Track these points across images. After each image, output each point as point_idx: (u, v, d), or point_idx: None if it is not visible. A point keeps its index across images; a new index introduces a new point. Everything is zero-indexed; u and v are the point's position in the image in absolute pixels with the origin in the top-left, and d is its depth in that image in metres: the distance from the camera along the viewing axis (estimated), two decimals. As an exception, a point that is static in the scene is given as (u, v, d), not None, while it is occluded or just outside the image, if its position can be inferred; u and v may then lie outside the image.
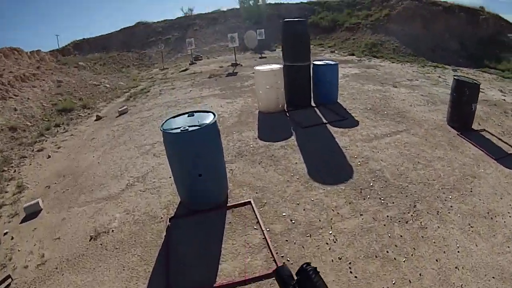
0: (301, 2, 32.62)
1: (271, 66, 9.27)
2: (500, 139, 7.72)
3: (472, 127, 8.31)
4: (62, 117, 12.20)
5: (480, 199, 5.34)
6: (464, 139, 7.52)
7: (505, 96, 11.95)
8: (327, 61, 10.32)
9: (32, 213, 5.90)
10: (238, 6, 32.57)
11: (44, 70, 17.51)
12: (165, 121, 5.18)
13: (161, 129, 4.83)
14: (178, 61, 25.50)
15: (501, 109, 10.01)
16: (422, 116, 8.96)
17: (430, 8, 23.70)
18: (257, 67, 9.37)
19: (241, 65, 19.34)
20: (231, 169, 6.53)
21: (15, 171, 8.07)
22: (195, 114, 5.39)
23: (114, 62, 26.36)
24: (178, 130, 4.72)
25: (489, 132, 8.10)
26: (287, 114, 9.28)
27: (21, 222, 5.76)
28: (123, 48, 28.87)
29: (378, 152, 6.88)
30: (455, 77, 8.33)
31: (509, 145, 7.39)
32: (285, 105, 9.69)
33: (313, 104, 10.04)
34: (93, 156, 8.27)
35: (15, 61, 16.79)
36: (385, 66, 17.39)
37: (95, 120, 11.64)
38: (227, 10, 32.87)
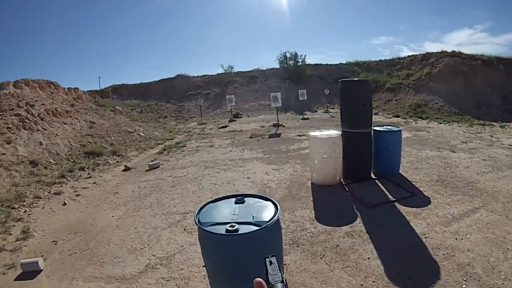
0: (340, 63, 32.43)
1: (328, 132, 8.18)
2: None
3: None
4: (89, 161, 11.39)
5: None
6: None
7: None
8: (388, 127, 9.16)
9: (30, 272, 5.04)
10: (277, 66, 32.58)
11: (79, 108, 17.12)
12: (203, 208, 3.69)
13: (197, 221, 3.37)
14: (217, 117, 25.07)
15: None
16: (493, 187, 7.89)
17: (469, 63, 23.08)
18: (313, 133, 8.28)
19: (284, 126, 18.46)
20: (285, 263, 5.13)
21: (25, 211, 7.30)
22: (246, 199, 3.83)
23: (152, 111, 26.17)
24: (223, 229, 3.14)
25: None
26: (346, 188, 7.95)
27: (15, 279, 4.97)
28: (161, 98, 28.79)
29: (462, 239, 5.65)
30: None
31: None
32: (342, 177, 8.45)
33: (373, 175, 8.75)
34: (112, 216, 7.14)
35: (50, 94, 16.43)
36: (433, 127, 16.34)
37: (123, 171, 10.67)
38: (267, 69, 32.97)
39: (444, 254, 5.22)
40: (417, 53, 28.05)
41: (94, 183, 9.51)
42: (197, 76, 32.49)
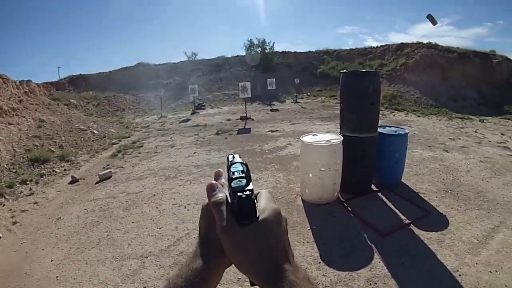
0: (309, 51, 31.38)
1: (326, 137, 6.60)
2: None
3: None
4: (33, 171, 9.54)
5: None
6: None
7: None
8: (392, 128, 7.85)
9: None
10: (243, 53, 31.25)
11: (28, 104, 14.98)
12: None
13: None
14: (178, 108, 23.28)
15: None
16: (503, 196, 7.22)
17: (446, 56, 22.96)
18: (306, 138, 6.56)
19: (252, 119, 16.86)
20: None
21: None
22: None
23: (109, 104, 24.19)
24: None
25: None
26: (347, 206, 6.54)
27: None
28: (120, 89, 26.69)
29: (496, 271, 4.73)
30: None
31: None
32: (339, 191, 6.90)
33: (373, 187, 7.49)
34: (52, 260, 5.31)
35: (-5, 90, 14.19)
36: (414, 121, 15.64)
37: (70, 183, 8.96)
38: (232, 56, 31.60)
39: None
40: (391, 43, 27.70)
41: (35, 203, 7.70)
42: (159, 64, 30.86)
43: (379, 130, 7.25)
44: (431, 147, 10.89)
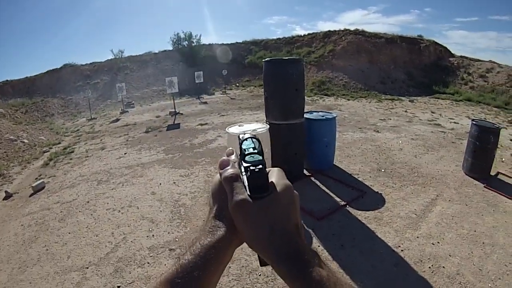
0: (237, 42, 31.42)
1: (252, 126, 6.27)
2: None
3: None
4: None
5: None
6: (497, 192, 6.78)
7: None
8: (320, 113, 8.02)
9: None
10: (171, 48, 30.74)
11: None
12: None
13: None
14: (107, 109, 22.40)
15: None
16: (437, 170, 7.84)
17: (373, 41, 23.96)
18: (231, 129, 6.15)
19: (182, 114, 16.54)
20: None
21: None
22: None
23: (38, 110, 22.93)
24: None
25: (503, 174, 7.79)
26: None
27: None
28: (48, 93, 25.39)
29: (438, 243, 5.06)
30: (474, 123, 7.51)
31: None
32: None
33: (306, 172, 7.56)
34: None
35: None
36: (344, 105, 16.10)
37: (4, 199, 8.27)
38: (159, 52, 30.85)
39: (430, 267, 4.56)
40: (319, 31, 28.23)
41: (-31, 224, 7.16)
42: (86, 65, 29.32)
43: (306, 115, 7.38)
44: (362, 128, 11.24)
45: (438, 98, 18.86)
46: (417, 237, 5.14)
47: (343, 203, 6.14)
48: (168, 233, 5.44)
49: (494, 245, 5.08)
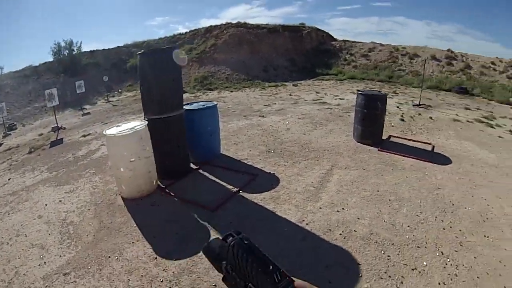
0: (118, 47, 29.50)
1: (129, 125, 5.88)
2: (410, 139, 8.13)
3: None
4: None
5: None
6: (392, 153, 7.18)
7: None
8: (200, 103, 7.58)
9: None
10: (51, 59, 27.95)
11: None
12: None
13: None
14: None
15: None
16: (328, 143, 7.92)
17: (255, 32, 24.23)
18: (109, 131, 5.71)
19: (64, 128, 14.90)
20: None
21: None
22: None
23: None
24: None
25: (395, 136, 8.35)
26: (170, 192, 5.87)
27: None
28: None
29: (343, 209, 4.95)
30: (360, 92, 7.85)
31: (423, 142, 7.90)
32: (158, 179, 6.27)
33: (193, 165, 6.99)
34: None
35: None
36: (227, 96, 15.74)
37: None
38: (40, 64, 27.83)
39: (340, 234, 4.38)
40: (201, 27, 27.53)
41: None
42: None
43: (186, 107, 6.91)
44: (247, 116, 10.98)
45: (322, 79, 19.48)
46: (320, 208, 4.93)
47: (235, 189, 5.71)
48: (60, 256, 4.57)
49: (400, 200, 5.19)
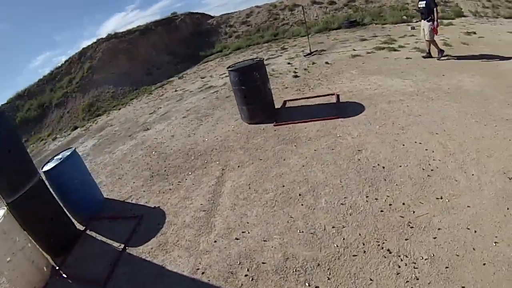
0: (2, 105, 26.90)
1: None
2: (309, 97, 7.41)
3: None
4: None
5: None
6: (291, 123, 6.35)
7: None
8: (58, 156, 6.02)
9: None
10: None
11: None
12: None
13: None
14: None
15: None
16: (216, 138, 6.86)
17: (128, 38, 22.72)
18: None
19: None
20: None
21: None
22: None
23: None
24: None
25: (290, 100, 7.57)
26: (62, 274, 4.55)
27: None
28: None
29: (243, 232, 3.95)
30: (231, 69, 6.77)
31: (325, 95, 7.24)
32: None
33: (80, 226, 5.58)
34: None
35: None
36: (114, 117, 14.34)
37: None
38: None
39: (246, 274, 3.39)
40: (73, 54, 25.08)
41: None
42: None
43: (44, 168, 5.60)
44: (132, 134, 9.69)
45: (208, 61, 18.43)
46: (215, 241, 3.95)
47: (121, 247, 4.52)
48: None
49: (314, 189, 4.28)
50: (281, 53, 12.98)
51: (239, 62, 7.79)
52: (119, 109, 15.70)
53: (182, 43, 22.50)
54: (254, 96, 6.56)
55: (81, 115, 18.29)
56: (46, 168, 5.59)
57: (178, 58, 20.94)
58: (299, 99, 7.35)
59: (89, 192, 5.94)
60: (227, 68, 6.93)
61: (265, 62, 11.35)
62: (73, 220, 5.56)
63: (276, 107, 7.13)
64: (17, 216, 4.64)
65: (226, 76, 11.78)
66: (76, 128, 16.95)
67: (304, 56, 11.11)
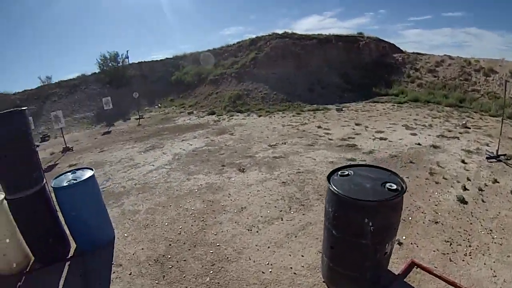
0: (166, 58, 28.54)
1: None
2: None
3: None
4: None
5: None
6: None
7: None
8: (76, 173, 5.29)
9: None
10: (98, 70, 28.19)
11: None
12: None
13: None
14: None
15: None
16: (269, 270, 4.13)
17: (302, 44, 20.84)
18: None
19: (72, 150, 13.51)
20: None
21: None
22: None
23: None
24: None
25: (424, 268, 3.94)
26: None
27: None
28: None
29: None
30: (332, 189, 3.32)
31: None
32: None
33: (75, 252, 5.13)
34: None
35: None
36: (245, 124, 12.83)
37: None
38: (91, 74, 28.11)
39: None
40: (247, 38, 24.77)
41: None
42: (17, 93, 26.54)
43: (54, 183, 4.98)
44: (226, 166, 7.96)
45: (377, 102, 15.58)
46: None
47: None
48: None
49: None
50: (460, 134, 9.50)
51: (346, 170, 3.71)
52: (260, 115, 14.21)
53: (358, 69, 19.77)
54: (347, 256, 3.44)
55: (225, 102, 17.48)
56: (54, 182, 5.00)
57: (348, 85, 18.39)
58: (439, 277, 3.76)
59: (92, 229, 5.17)
60: (328, 178, 3.52)
61: (435, 144, 8.66)
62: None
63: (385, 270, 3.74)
64: (12, 211, 4.70)
65: (383, 139, 9.39)
66: (213, 113, 16.12)
67: (487, 157, 7.47)
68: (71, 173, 5.25)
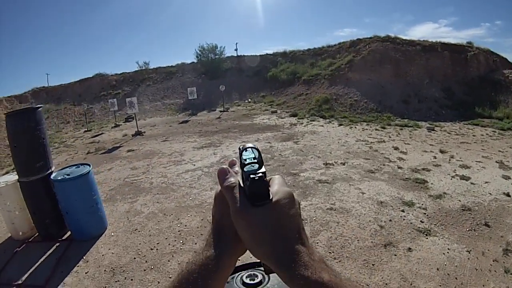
0: (266, 54, 29.08)
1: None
2: None
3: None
4: None
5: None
6: None
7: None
8: (71, 168, 5.98)
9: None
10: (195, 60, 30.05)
11: None
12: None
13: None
14: (113, 120, 21.35)
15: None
16: None
17: (404, 49, 19.21)
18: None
19: (142, 135, 14.42)
20: None
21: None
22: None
23: (58, 116, 23.65)
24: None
25: None
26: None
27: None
28: (75, 100, 26.20)
29: None
30: None
31: None
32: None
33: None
34: None
35: None
36: (320, 132, 12.03)
37: None
38: (188, 63, 30.30)
39: None
40: (348, 40, 23.66)
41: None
42: (114, 75, 29.67)
43: (53, 176, 5.70)
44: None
45: (477, 124, 13.19)
46: None
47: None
48: None
49: None
50: None
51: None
52: (340, 124, 13.21)
53: (462, 84, 17.56)
54: None
55: (312, 105, 16.97)
56: (54, 175, 5.68)
57: (450, 100, 16.29)
58: None
59: (75, 220, 5.76)
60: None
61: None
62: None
63: None
64: (23, 191, 5.67)
65: (464, 178, 7.33)
66: (295, 115, 15.85)
67: None
68: (71, 168, 5.91)
